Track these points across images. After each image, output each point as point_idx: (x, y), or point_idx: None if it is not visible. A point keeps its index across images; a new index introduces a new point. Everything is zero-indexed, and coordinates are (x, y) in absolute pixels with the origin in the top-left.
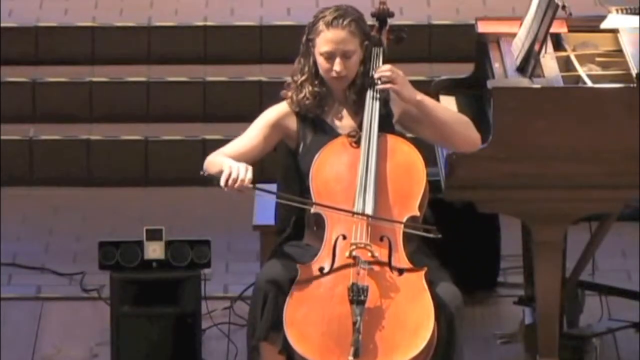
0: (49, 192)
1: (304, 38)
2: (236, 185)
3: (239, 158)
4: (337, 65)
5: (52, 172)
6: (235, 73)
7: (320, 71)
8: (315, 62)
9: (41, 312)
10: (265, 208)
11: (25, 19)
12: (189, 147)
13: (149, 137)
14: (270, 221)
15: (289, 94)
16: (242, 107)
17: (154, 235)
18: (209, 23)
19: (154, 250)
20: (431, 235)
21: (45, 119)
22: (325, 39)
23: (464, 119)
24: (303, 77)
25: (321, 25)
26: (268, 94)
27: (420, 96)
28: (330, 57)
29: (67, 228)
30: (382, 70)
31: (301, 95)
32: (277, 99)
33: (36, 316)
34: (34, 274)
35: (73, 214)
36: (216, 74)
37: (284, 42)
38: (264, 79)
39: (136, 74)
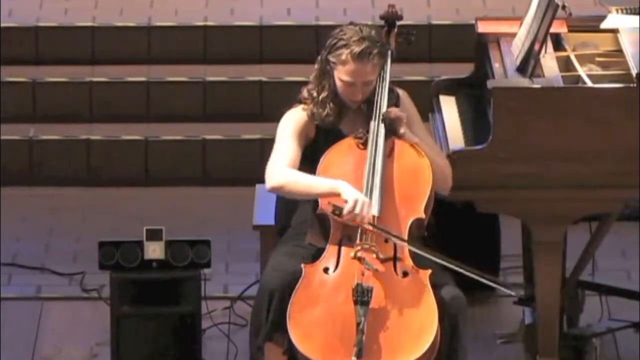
0: (49, 192)
1: (324, 55)
2: (358, 222)
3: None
4: (358, 95)
5: (52, 172)
6: (235, 73)
7: (338, 90)
8: (334, 80)
9: (41, 312)
10: (265, 208)
11: (25, 19)
12: (189, 147)
13: (149, 137)
14: (270, 221)
15: (309, 107)
16: (242, 107)
17: (154, 235)
18: (209, 23)
19: (154, 250)
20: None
21: (45, 119)
22: (349, 71)
23: (446, 171)
24: (324, 94)
25: (346, 55)
26: (268, 94)
27: (417, 139)
28: (351, 85)
29: (67, 228)
30: (393, 111)
31: (324, 113)
32: (277, 99)
33: (36, 316)
34: (34, 274)
35: (73, 214)
36: (216, 74)
37: (284, 42)
38: (264, 79)
39: (136, 74)
